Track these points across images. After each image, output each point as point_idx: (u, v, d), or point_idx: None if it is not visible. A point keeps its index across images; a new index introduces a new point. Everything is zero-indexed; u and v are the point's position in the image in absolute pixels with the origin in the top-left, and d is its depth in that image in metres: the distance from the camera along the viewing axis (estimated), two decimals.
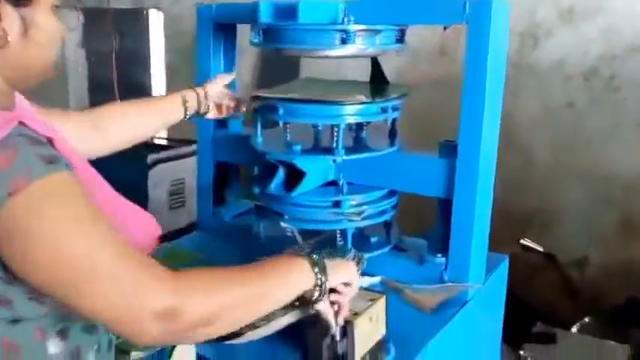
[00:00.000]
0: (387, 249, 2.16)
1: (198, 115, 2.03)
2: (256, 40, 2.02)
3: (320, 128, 2.16)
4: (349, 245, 2.05)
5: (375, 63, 2.24)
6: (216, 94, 2.07)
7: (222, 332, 1.27)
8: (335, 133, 1.98)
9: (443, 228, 1.99)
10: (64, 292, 1.12)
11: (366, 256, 1.93)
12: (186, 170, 4.52)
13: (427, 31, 3.67)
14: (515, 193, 3.80)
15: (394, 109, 2.05)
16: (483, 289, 2.01)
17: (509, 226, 3.52)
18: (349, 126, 2.13)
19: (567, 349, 3.10)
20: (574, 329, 3.28)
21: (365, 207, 2.06)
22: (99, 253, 1.12)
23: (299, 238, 2.06)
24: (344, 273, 1.50)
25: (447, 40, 3.84)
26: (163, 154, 4.65)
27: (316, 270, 1.41)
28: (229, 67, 2.38)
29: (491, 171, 2.00)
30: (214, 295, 1.21)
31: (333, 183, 2.08)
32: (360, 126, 2.19)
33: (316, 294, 1.42)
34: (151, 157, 4.58)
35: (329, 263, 1.45)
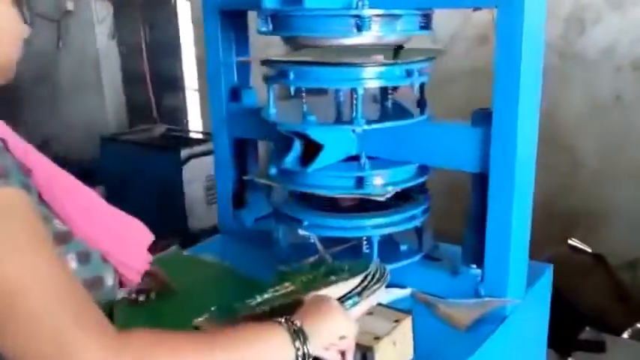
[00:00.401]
0: (417, 258, 1.95)
1: None
2: (264, 29, 1.83)
3: (342, 99, 1.98)
4: (375, 253, 1.87)
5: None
6: None
7: None
8: (354, 100, 1.77)
9: (478, 225, 1.78)
10: None
11: (394, 266, 1.78)
12: None
13: (463, 17, 3.49)
14: (559, 193, 3.60)
15: (420, 73, 1.83)
16: (524, 303, 1.81)
17: (553, 229, 3.32)
18: (373, 97, 1.95)
19: (618, 356, 2.90)
20: (625, 335, 3.08)
21: (391, 188, 1.86)
22: (30, 285, 0.93)
23: (320, 246, 1.90)
24: (329, 332, 1.27)
25: (485, 27, 3.63)
26: (197, 149, 4.61)
27: (297, 344, 1.18)
28: (242, 47, 2.23)
29: (532, 147, 1.78)
30: None
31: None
32: (384, 95, 1.99)
33: None
34: (185, 152, 4.53)
35: (310, 329, 1.21)
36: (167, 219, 4.39)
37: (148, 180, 4.62)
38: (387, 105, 2.00)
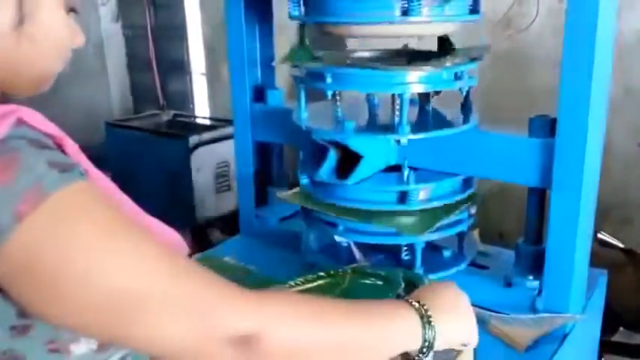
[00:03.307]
0: (462, 266, 1.77)
1: None
2: (296, 13, 1.65)
3: (376, 102, 1.82)
4: (418, 262, 1.69)
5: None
6: None
7: None
8: (397, 107, 1.59)
9: (535, 232, 1.63)
10: (109, 332, 0.87)
11: (436, 276, 1.63)
12: (231, 152, 4.27)
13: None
14: None
15: (470, 76, 1.66)
16: (584, 317, 1.63)
17: None
18: (411, 99, 1.75)
19: None
20: None
21: (436, 203, 1.69)
22: (147, 273, 0.85)
23: (357, 253, 1.73)
24: (454, 334, 1.11)
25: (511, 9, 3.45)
26: (205, 136, 4.46)
27: (427, 334, 1.05)
28: (267, 46, 2.05)
29: (598, 155, 1.61)
30: (307, 327, 0.93)
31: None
32: (425, 99, 1.81)
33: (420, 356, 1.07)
34: (193, 139, 4.39)
35: (439, 325, 1.07)
36: (175, 207, 4.29)
37: (155, 167, 4.46)
38: (428, 110, 1.82)
